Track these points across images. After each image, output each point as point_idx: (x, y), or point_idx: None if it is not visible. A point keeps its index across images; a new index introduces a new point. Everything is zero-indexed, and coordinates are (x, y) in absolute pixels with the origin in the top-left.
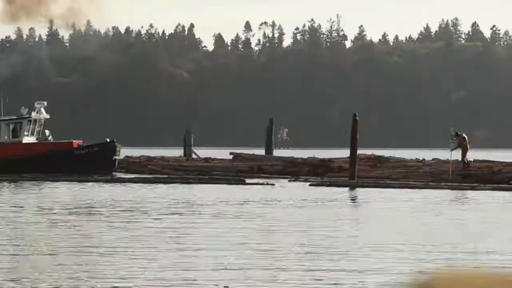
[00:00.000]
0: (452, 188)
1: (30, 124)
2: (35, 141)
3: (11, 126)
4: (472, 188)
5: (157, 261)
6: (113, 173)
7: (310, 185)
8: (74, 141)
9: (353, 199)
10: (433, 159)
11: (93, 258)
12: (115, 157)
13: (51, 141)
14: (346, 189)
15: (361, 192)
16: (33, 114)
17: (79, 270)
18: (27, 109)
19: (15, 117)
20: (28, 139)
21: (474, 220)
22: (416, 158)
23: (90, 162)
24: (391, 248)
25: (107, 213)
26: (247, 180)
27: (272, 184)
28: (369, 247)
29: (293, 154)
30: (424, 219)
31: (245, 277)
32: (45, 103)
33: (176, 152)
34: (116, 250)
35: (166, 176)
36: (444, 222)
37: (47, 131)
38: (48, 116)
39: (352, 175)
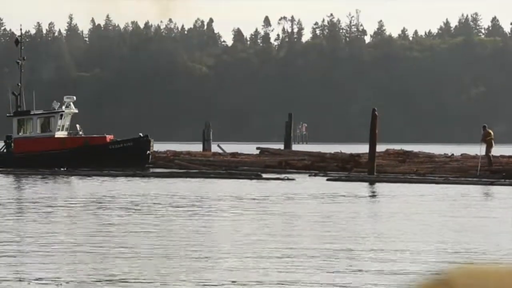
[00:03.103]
0: (473, 183)
1: (61, 119)
2: (68, 135)
3: (42, 120)
4: (492, 183)
5: (172, 258)
6: (147, 168)
7: (327, 179)
8: (106, 135)
9: (372, 194)
10: (461, 155)
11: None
12: (148, 151)
13: (83, 135)
14: (366, 184)
15: (378, 187)
16: (64, 109)
17: (98, 267)
18: (59, 103)
19: (46, 111)
20: (59, 133)
21: (489, 216)
22: (444, 153)
23: (125, 157)
24: (402, 245)
25: (127, 208)
26: (265, 175)
27: (292, 179)
28: (379, 244)
29: (313, 149)
30: (434, 215)
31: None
32: (74, 97)
33: (195, 147)
34: (125, 247)
35: (184, 171)
36: (447, 218)
37: (78, 126)
38: (77, 111)
39: (371, 170)
